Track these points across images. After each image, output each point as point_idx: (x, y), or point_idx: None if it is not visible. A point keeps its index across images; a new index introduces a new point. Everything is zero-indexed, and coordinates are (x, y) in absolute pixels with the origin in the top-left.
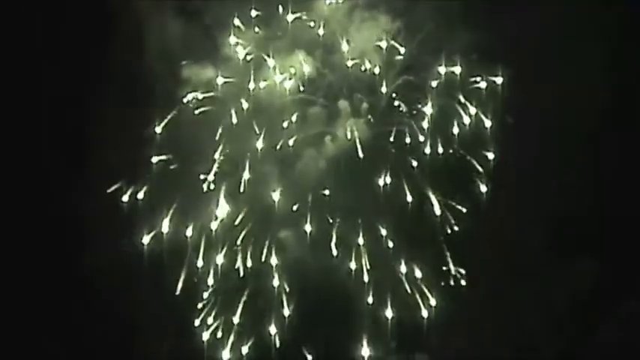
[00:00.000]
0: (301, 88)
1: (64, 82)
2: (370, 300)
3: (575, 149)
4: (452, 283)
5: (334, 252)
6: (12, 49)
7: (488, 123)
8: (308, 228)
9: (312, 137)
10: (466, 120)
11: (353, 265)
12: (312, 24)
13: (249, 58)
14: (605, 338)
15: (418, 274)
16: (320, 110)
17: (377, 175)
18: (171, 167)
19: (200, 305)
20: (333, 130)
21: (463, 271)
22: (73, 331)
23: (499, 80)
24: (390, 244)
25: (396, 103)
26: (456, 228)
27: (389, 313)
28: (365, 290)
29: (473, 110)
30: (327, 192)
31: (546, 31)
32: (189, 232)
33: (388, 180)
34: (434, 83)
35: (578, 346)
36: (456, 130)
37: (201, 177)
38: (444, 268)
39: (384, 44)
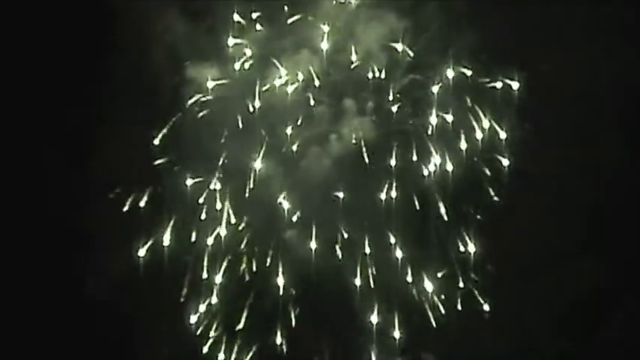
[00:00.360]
0: (307, 88)
1: (65, 83)
2: (376, 305)
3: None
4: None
5: (340, 256)
6: (13, 48)
7: (503, 135)
8: (313, 231)
9: (317, 136)
10: (479, 135)
11: (359, 270)
12: (316, 22)
13: (254, 58)
14: (605, 338)
15: (428, 285)
16: (325, 109)
17: (383, 178)
18: (175, 169)
19: (202, 314)
20: (338, 129)
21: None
22: (72, 336)
23: (515, 85)
24: (399, 253)
25: (402, 102)
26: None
27: (396, 322)
28: (371, 295)
29: (486, 123)
30: (333, 194)
31: (560, 31)
32: (193, 238)
33: (394, 185)
34: (439, 87)
35: (578, 346)
36: (464, 145)
37: (206, 182)
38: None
39: (390, 44)
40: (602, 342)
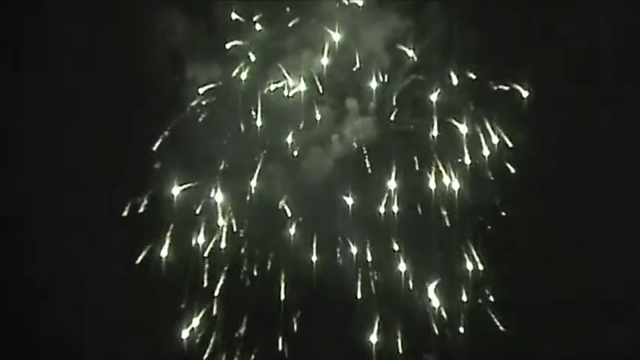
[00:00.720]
0: (309, 89)
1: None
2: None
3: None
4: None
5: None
6: (13, 48)
7: (510, 144)
8: (315, 234)
9: (319, 137)
10: (486, 152)
11: (360, 274)
12: (319, 25)
13: (255, 59)
14: (606, 338)
15: (433, 296)
16: (327, 110)
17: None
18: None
19: (202, 319)
20: (340, 130)
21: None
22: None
23: (525, 93)
24: (402, 264)
25: (405, 104)
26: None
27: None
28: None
29: (495, 139)
30: (334, 195)
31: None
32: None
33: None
34: (443, 90)
35: (579, 346)
36: (468, 160)
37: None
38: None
39: (393, 44)
40: (603, 342)
